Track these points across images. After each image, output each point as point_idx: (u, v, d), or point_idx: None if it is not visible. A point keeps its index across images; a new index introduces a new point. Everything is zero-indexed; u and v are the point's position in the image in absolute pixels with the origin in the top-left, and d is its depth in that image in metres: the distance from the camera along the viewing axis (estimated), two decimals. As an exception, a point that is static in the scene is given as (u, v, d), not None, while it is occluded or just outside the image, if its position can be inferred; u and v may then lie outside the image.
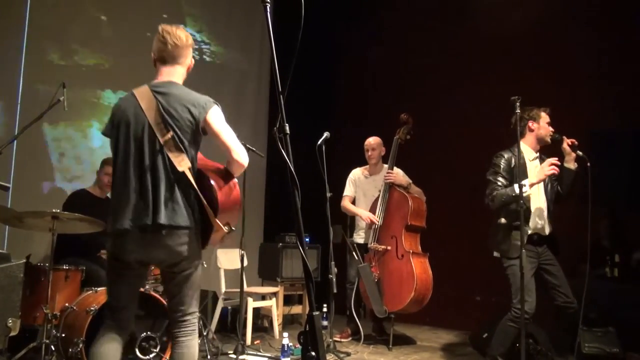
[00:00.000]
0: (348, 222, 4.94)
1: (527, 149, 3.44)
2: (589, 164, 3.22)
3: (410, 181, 4.57)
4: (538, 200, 3.39)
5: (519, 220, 3.12)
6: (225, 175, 2.27)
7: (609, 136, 4.57)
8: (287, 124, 1.59)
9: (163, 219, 2.09)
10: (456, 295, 5.20)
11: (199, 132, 2.21)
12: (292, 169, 1.55)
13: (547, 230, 3.41)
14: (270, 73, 6.17)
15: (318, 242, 5.37)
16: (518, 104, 3.10)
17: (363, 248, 4.56)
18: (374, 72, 6.45)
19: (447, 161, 5.47)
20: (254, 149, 3.94)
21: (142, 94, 2.21)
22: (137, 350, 3.20)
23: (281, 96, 1.60)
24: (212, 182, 2.21)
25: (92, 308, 3.06)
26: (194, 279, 2.25)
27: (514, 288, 3.27)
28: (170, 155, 2.13)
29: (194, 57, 2.38)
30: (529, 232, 3.33)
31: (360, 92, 6.58)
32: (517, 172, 3.25)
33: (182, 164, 2.13)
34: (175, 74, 2.29)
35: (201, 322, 3.89)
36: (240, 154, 2.22)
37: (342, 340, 4.58)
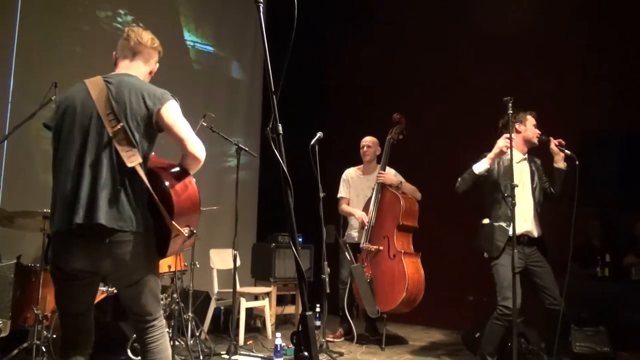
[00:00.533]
0: (341, 222, 4.94)
1: (514, 151, 3.47)
2: (577, 162, 3.25)
3: (402, 180, 4.59)
4: (524, 201, 3.42)
5: (503, 221, 3.19)
6: (180, 173, 2.07)
7: (601, 136, 4.60)
8: (280, 124, 1.59)
9: (104, 220, 1.86)
10: (448, 295, 5.22)
11: (152, 126, 2.01)
12: (285, 169, 1.55)
13: (535, 233, 3.44)
14: (263, 72, 6.16)
15: (311, 242, 5.37)
16: (510, 104, 3.13)
17: (356, 248, 4.57)
18: (367, 72, 6.45)
19: (440, 161, 5.47)
20: (246, 149, 3.93)
21: (94, 82, 2.03)
22: (128, 351, 3.19)
23: (274, 96, 1.60)
24: (165, 181, 2.01)
25: (83, 308, 3.04)
26: (149, 288, 2.00)
27: (498, 287, 3.33)
28: (120, 149, 1.92)
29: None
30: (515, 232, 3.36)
31: (354, 92, 6.59)
32: (501, 172, 3.39)
33: (133, 159, 1.92)
34: (133, 69, 2.14)
35: (194, 323, 3.88)
36: (196, 146, 2.02)
37: (335, 340, 4.58)
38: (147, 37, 2.18)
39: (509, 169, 3.18)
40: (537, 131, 3.50)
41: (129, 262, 1.92)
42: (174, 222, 1.95)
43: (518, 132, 3.51)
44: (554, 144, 3.42)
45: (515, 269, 2.95)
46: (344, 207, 4.75)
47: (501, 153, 3.39)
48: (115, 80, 2.04)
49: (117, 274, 1.98)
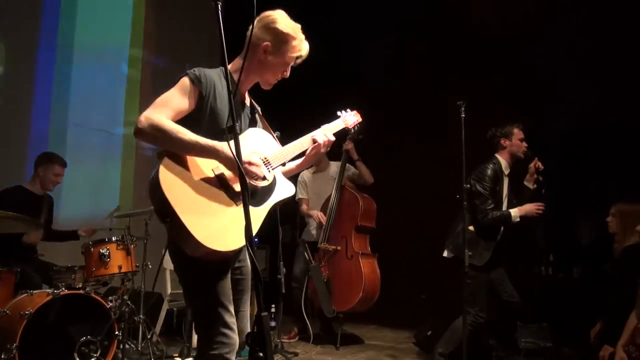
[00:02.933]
0: (298, 221, 4.92)
1: (504, 163, 3.61)
2: (543, 191, 3.44)
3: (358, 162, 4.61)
4: None
5: (492, 236, 3.41)
6: None
7: (545, 138, 4.77)
8: (237, 124, 1.57)
9: None
10: (402, 294, 5.31)
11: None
12: (243, 169, 1.54)
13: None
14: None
15: (266, 242, 5.34)
16: (463, 108, 3.22)
17: (313, 246, 4.58)
18: (325, 71, 6.45)
19: (395, 161, 5.55)
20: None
21: None
22: (75, 355, 3.08)
23: (232, 96, 1.58)
24: None
25: (27, 312, 2.91)
26: (182, 284, 1.91)
27: (475, 297, 3.35)
28: None
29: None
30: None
31: (312, 92, 6.58)
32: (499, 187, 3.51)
33: None
34: (235, 60, 1.98)
35: (145, 325, 3.79)
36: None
37: (290, 341, 4.57)
38: (258, 20, 1.96)
39: (501, 181, 3.46)
40: (524, 145, 3.58)
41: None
42: None
43: (504, 147, 3.60)
44: (534, 164, 3.52)
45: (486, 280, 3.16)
46: (304, 208, 4.75)
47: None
48: None
49: None
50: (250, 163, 1.83)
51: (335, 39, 6.25)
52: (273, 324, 4.40)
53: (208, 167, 1.79)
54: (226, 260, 1.83)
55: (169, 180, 1.70)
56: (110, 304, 3.33)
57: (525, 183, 3.57)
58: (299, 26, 2.02)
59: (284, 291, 3.81)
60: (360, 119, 2.50)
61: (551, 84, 4.79)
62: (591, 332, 3.53)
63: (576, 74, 4.68)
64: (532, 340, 4.04)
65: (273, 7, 2.03)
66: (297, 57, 2.03)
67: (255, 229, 1.79)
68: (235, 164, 1.53)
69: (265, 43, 1.94)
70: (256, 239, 5.38)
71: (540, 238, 5.02)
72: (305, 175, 4.84)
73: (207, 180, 1.77)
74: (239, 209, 1.76)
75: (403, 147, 5.55)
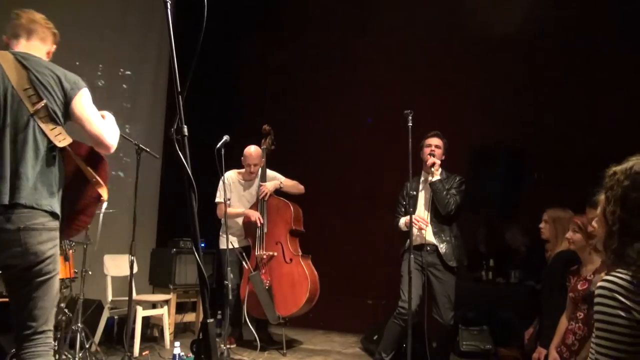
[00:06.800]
0: (222, 228, 4.54)
1: (424, 173, 3.78)
2: (429, 185, 3.63)
3: (282, 179, 4.59)
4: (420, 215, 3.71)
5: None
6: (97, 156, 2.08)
7: (487, 151, 5.00)
8: (185, 126, 1.54)
9: (25, 200, 1.80)
10: (348, 299, 5.36)
11: (67, 110, 1.96)
12: (190, 172, 1.51)
13: (436, 242, 3.64)
14: (168, 72, 5.96)
15: (213, 248, 5.24)
16: (410, 117, 3.31)
17: (235, 253, 4.46)
18: (274, 77, 6.46)
19: (337, 164, 5.58)
20: (147, 149, 3.75)
21: (3, 55, 1.90)
22: (6, 368, 2.91)
23: (180, 97, 1.55)
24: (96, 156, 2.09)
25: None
26: (51, 287, 1.89)
27: (401, 288, 3.57)
28: (44, 127, 1.87)
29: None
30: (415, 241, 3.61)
31: (260, 97, 6.56)
32: (408, 198, 3.64)
33: (60, 138, 1.90)
34: (33, 48, 2.00)
35: (84, 334, 3.63)
36: (110, 140, 2.02)
37: (230, 346, 4.47)
38: (39, 15, 2.04)
39: (415, 194, 3.64)
40: (427, 150, 3.71)
41: (43, 250, 1.84)
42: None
43: (421, 157, 3.76)
44: (428, 163, 3.65)
45: (407, 272, 3.24)
46: (231, 209, 4.39)
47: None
48: (27, 57, 1.93)
49: (26, 263, 1.83)
50: None
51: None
52: (219, 330, 4.32)
53: None
54: None
55: None
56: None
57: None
58: None
59: (230, 297, 3.79)
60: None
61: (495, 105, 4.99)
62: (525, 334, 3.70)
63: (521, 90, 4.92)
64: (473, 343, 4.19)
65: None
66: None
67: None
68: None
69: None
70: (203, 244, 5.27)
71: (482, 244, 5.22)
72: (232, 178, 4.62)
73: None
74: None
75: (349, 147, 5.58)
